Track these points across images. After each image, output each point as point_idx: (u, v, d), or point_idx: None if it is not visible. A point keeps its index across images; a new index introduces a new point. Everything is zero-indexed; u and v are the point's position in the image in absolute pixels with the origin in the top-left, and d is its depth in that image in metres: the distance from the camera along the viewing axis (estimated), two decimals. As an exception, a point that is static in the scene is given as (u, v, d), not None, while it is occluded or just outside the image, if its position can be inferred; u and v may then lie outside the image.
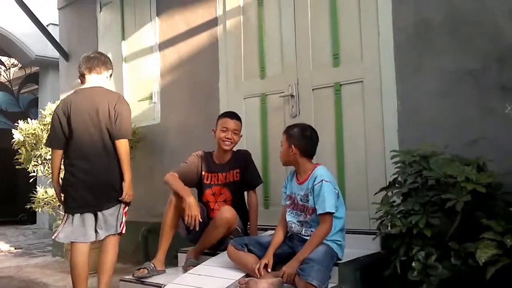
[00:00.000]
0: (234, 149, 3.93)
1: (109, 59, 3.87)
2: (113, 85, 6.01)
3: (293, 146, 3.21)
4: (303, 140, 3.22)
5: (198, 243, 3.75)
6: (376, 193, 3.23)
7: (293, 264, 2.96)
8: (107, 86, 3.75)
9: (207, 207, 3.87)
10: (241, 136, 3.94)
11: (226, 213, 3.57)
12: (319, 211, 3.04)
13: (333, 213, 3.04)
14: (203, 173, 3.89)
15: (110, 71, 3.83)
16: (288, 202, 3.30)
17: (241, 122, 3.93)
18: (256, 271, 3.07)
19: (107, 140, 3.52)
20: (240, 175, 3.88)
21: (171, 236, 3.71)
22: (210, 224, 3.66)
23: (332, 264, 3.00)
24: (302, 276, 2.79)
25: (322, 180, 3.08)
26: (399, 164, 3.06)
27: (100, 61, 3.77)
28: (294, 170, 3.34)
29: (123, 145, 3.52)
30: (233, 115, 3.91)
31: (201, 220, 3.52)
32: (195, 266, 3.54)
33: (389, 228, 2.98)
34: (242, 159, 3.92)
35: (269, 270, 3.08)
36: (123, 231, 3.60)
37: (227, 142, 3.80)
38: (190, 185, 3.82)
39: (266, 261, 3.10)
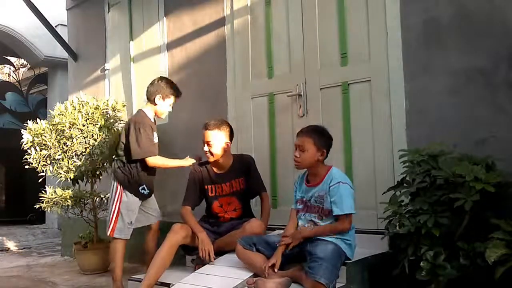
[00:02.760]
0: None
1: (161, 85, 4.19)
2: (121, 86, 6.05)
3: (324, 150, 3.17)
4: (328, 143, 3.21)
5: (218, 240, 3.71)
6: (384, 193, 3.22)
7: (296, 234, 3.11)
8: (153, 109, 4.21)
9: (216, 218, 3.84)
10: (228, 143, 3.80)
11: (257, 228, 3.52)
12: (337, 212, 3.04)
13: (351, 214, 3.05)
14: (206, 186, 3.84)
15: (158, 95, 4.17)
16: (300, 206, 3.28)
17: (219, 129, 3.76)
18: (266, 273, 3.05)
19: None
20: (245, 182, 3.84)
21: (163, 269, 3.53)
22: (238, 231, 3.59)
23: (340, 263, 2.99)
24: (310, 274, 2.79)
25: (339, 182, 3.07)
26: (407, 164, 3.05)
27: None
28: (303, 173, 3.32)
29: None
30: (205, 126, 3.80)
31: (214, 257, 3.52)
32: (203, 265, 3.54)
33: (397, 227, 2.97)
34: (245, 166, 3.86)
35: (276, 270, 3.07)
36: (110, 234, 4.07)
37: (207, 155, 3.78)
38: (201, 201, 3.89)
39: (274, 261, 3.10)
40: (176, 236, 3.57)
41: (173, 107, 4.28)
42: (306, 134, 3.21)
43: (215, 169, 3.85)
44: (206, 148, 3.74)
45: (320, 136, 3.20)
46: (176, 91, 4.19)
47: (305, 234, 3.11)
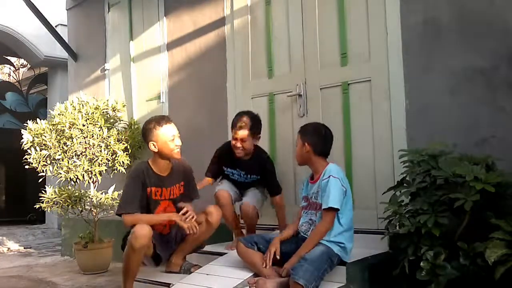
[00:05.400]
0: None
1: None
2: (121, 86, 6.05)
3: (306, 144, 3.20)
4: (316, 138, 3.22)
5: (179, 249, 3.59)
6: (384, 193, 3.22)
7: (293, 260, 2.99)
8: None
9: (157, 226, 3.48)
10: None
11: (218, 217, 3.53)
12: (323, 206, 3.03)
13: (337, 209, 3.02)
14: (150, 188, 3.43)
15: None
16: (304, 204, 3.29)
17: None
18: (267, 261, 3.08)
19: None
20: (184, 188, 3.59)
21: (136, 274, 3.38)
22: (203, 226, 3.46)
23: (327, 265, 2.93)
24: (291, 274, 2.80)
25: (329, 176, 3.07)
26: (407, 164, 3.05)
27: None
28: (311, 173, 3.33)
29: None
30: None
31: (196, 227, 3.33)
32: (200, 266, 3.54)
33: (397, 227, 2.97)
34: (183, 172, 3.61)
35: (278, 257, 3.09)
36: None
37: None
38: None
39: (274, 249, 3.11)
40: (139, 240, 3.18)
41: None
42: (299, 130, 3.33)
43: (156, 172, 3.48)
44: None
45: (305, 131, 3.27)
46: None
47: (301, 253, 2.98)
